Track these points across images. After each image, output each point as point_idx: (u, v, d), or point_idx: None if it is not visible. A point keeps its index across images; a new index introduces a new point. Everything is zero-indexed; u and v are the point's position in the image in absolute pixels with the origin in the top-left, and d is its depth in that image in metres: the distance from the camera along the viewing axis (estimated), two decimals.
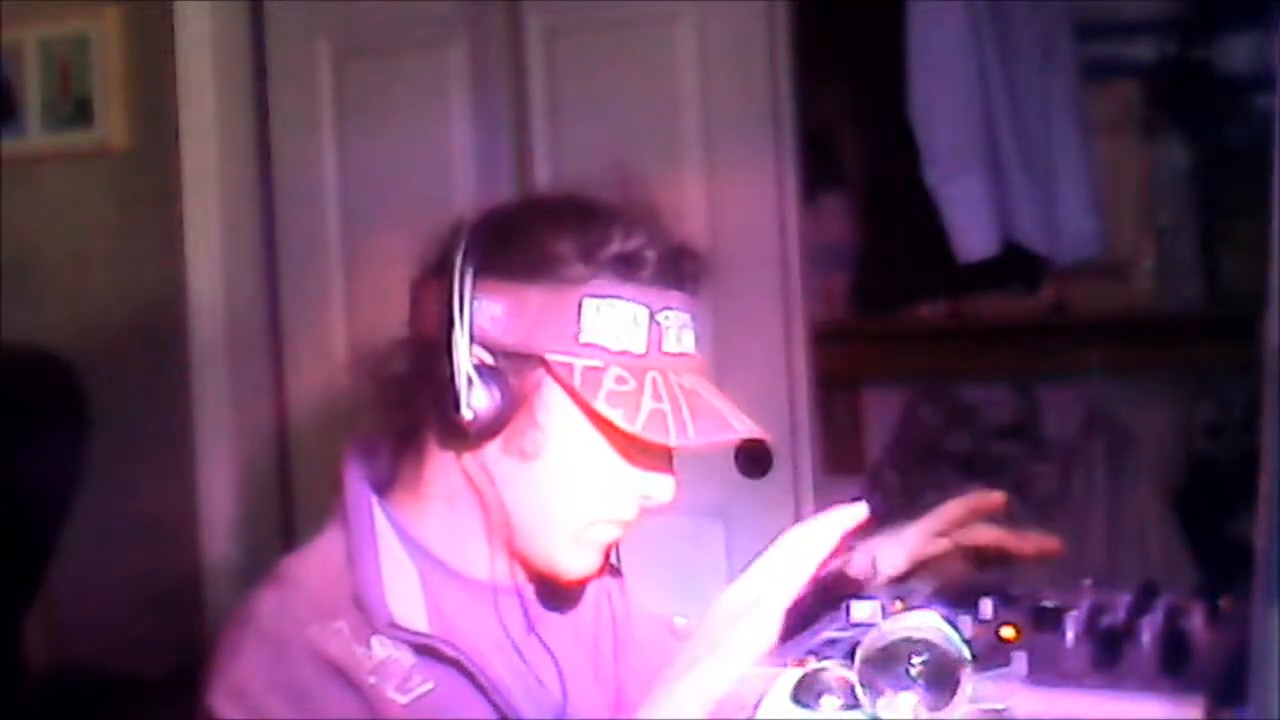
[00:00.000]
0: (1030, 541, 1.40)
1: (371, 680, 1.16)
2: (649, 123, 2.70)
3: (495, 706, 1.20)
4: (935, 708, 1.03)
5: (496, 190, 2.68)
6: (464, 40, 2.87)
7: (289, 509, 2.99)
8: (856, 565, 1.35)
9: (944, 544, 1.39)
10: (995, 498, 1.39)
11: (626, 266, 1.19)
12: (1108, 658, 1.14)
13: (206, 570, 2.94)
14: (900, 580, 1.37)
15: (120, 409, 2.89)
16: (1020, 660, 1.13)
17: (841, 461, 3.38)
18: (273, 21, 3.01)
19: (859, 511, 1.13)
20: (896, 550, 1.37)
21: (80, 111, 3.05)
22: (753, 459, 1.26)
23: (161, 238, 2.99)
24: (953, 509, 1.38)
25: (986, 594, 1.28)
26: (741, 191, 2.65)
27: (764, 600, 1.09)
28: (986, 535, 1.39)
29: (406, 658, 1.18)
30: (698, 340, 1.24)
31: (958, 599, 1.28)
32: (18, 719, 2.58)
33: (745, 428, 1.21)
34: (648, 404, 1.17)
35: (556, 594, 1.31)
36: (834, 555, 1.35)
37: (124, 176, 3.05)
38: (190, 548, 2.94)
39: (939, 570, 1.40)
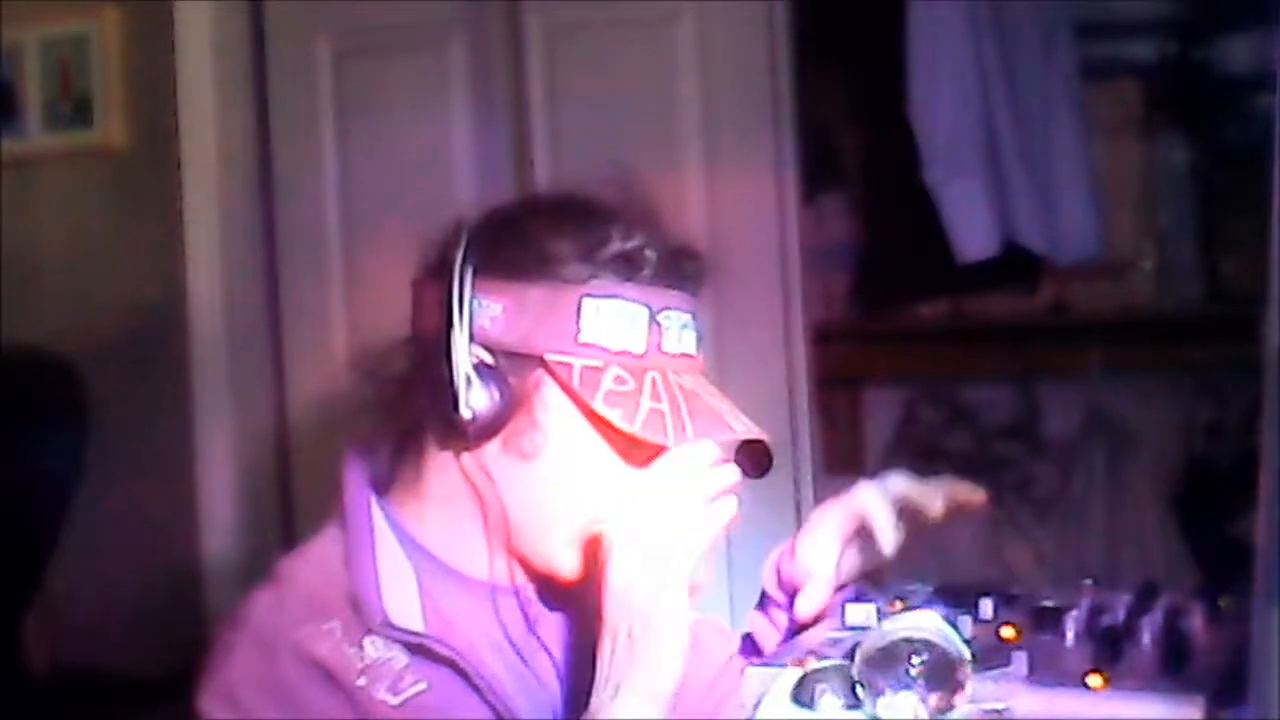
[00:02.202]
0: (939, 502, 1.36)
1: (360, 682, 1.15)
2: (649, 123, 2.70)
3: (490, 706, 1.20)
4: (935, 708, 1.03)
5: (496, 190, 2.68)
6: (464, 40, 2.87)
7: (289, 509, 2.99)
8: (808, 594, 1.31)
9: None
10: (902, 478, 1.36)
11: (626, 266, 1.19)
12: (1108, 658, 1.14)
13: (206, 571, 2.94)
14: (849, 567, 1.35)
15: (120, 409, 2.89)
16: (1020, 660, 1.13)
17: (841, 461, 3.38)
18: (273, 21, 3.01)
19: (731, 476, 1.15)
20: (823, 538, 1.33)
21: (80, 111, 3.04)
22: (753, 459, 1.26)
23: (161, 238, 2.99)
24: (864, 488, 1.35)
25: (986, 594, 1.28)
26: (741, 191, 2.65)
27: (665, 584, 1.10)
28: (902, 490, 1.35)
29: (400, 658, 1.18)
30: (698, 340, 1.24)
31: (958, 599, 1.28)
32: (18, 719, 2.57)
33: (744, 428, 1.21)
34: (646, 404, 1.17)
35: (556, 593, 1.31)
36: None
37: (124, 176, 3.05)
38: (190, 548, 2.94)
39: (874, 547, 1.37)
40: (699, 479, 1.16)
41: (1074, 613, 1.23)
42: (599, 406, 1.16)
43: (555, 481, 1.21)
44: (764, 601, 1.41)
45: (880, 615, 1.24)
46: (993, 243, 2.82)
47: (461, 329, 1.17)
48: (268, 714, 1.14)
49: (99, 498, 2.82)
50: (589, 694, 1.30)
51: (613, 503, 1.22)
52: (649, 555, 1.13)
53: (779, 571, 1.38)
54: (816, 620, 1.33)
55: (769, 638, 1.40)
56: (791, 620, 1.36)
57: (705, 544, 1.15)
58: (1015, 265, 2.99)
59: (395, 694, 1.16)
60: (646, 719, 1.09)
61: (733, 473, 1.18)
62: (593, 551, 1.20)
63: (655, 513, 1.15)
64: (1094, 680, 1.07)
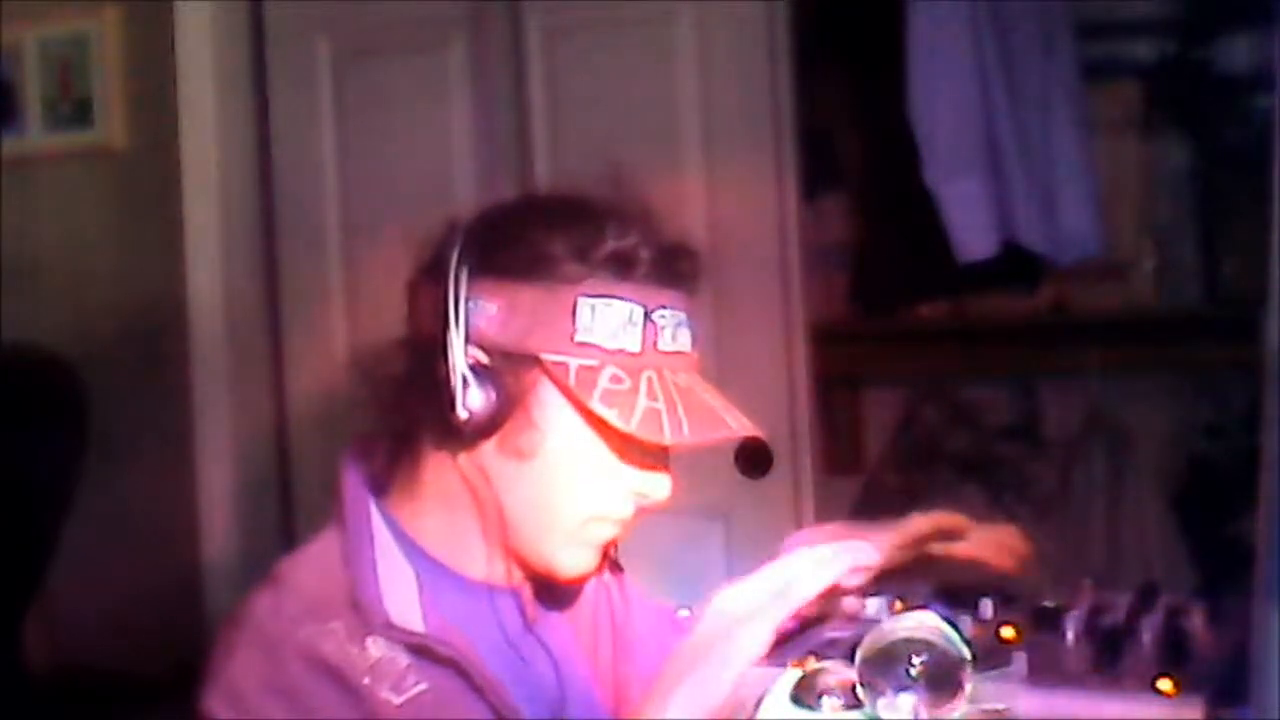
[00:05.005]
0: (1005, 555, 1.38)
1: (366, 681, 1.16)
2: (649, 123, 2.70)
3: (491, 706, 1.20)
4: (935, 708, 1.03)
5: (496, 190, 2.68)
6: (464, 40, 2.87)
7: (288, 509, 2.99)
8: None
9: (907, 556, 1.37)
10: (959, 520, 1.38)
11: (621, 265, 1.19)
12: (1108, 658, 1.14)
13: (206, 570, 2.94)
14: (863, 591, 1.35)
15: (120, 409, 2.89)
16: (1020, 660, 1.13)
17: (841, 461, 3.38)
18: (273, 21, 3.01)
19: (871, 554, 1.14)
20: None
21: (80, 111, 3.05)
22: (753, 459, 1.26)
23: (161, 238, 2.99)
24: (919, 525, 1.36)
25: (986, 594, 1.28)
26: (741, 191, 2.65)
27: (762, 613, 1.09)
28: (961, 551, 1.38)
29: (402, 658, 1.18)
30: (693, 339, 1.24)
31: (958, 599, 1.28)
32: (18, 719, 2.57)
33: (740, 425, 1.21)
34: (643, 402, 1.17)
35: (554, 593, 1.31)
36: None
37: (124, 176, 3.05)
38: (190, 548, 2.95)
39: (898, 580, 1.38)
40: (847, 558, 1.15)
41: (1074, 613, 1.23)
42: (596, 405, 1.16)
43: (552, 481, 1.21)
44: None
45: (891, 608, 1.24)
46: (992, 243, 2.82)
47: (458, 329, 1.17)
48: (275, 714, 1.14)
49: (99, 498, 2.82)
50: (589, 694, 1.30)
51: (608, 501, 1.23)
52: (765, 586, 1.12)
53: None
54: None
55: None
56: None
57: (818, 593, 1.14)
58: (1015, 265, 2.99)
59: (399, 694, 1.17)
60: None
61: (875, 554, 1.16)
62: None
63: (803, 556, 1.14)
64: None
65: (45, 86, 3.07)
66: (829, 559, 1.12)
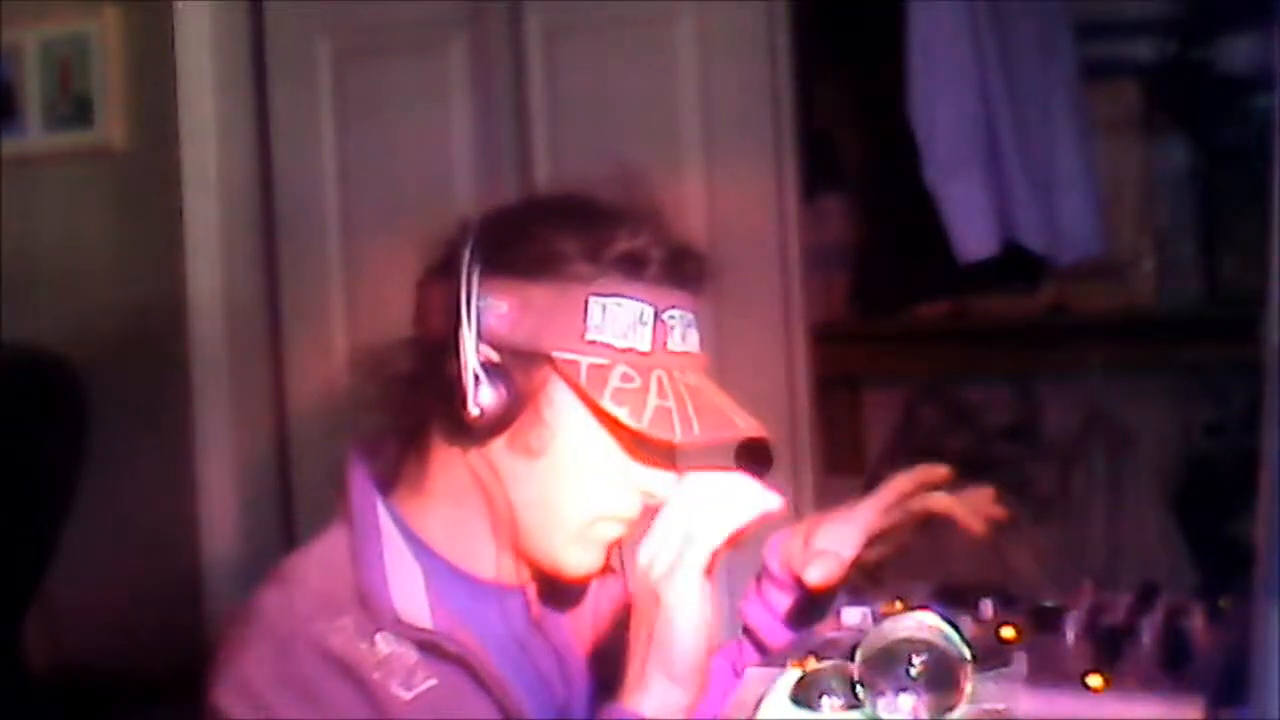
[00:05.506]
0: (977, 517, 1.39)
1: (376, 675, 1.17)
2: (649, 123, 2.70)
3: (498, 703, 1.21)
4: (935, 708, 1.03)
5: (497, 190, 2.68)
6: (464, 40, 2.87)
7: (289, 509, 2.99)
8: (820, 564, 1.33)
9: (895, 516, 1.39)
10: (940, 471, 1.39)
11: (632, 265, 1.20)
12: (1108, 658, 1.14)
13: (206, 570, 2.94)
14: (859, 558, 1.36)
15: (120, 409, 2.89)
16: (1020, 660, 1.13)
17: (841, 461, 3.37)
18: (273, 21, 3.01)
19: (776, 502, 1.15)
20: (849, 530, 1.36)
21: (80, 111, 3.05)
22: (753, 459, 1.26)
23: (161, 238, 2.99)
24: (901, 483, 1.38)
25: (986, 594, 1.28)
26: (741, 191, 2.65)
27: (680, 565, 1.10)
28: (937, 503, 1.39)
29: (410, 654, 1.19)
30: (701, 340, 1.24)
31: (958, 599, 1.28)
32: (18, 719, 2.57)
33: (748, 425, 1.22)
34: (653, 401, 1.17)
35: (560, 592, 1.31)
36: (805, 560, 1.35)
37: (124, 176, 3.05)
38: (190, 548, 2.95)
39: (892, 540, 1.39)
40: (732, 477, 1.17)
41: (1074, 613, 1.23)
42: (607, 404, 1.17)
43: (561, 478, 1.22)
44: (760, 585, 1.42)
45: (875, 617, 1.24)
46: (993, 242, 2.82)
47: (469, 327, 1.18)
48: (286, 707, 1.15)
49: (99, 498, 2.82)
50: (595, 694, 1.31)
51: (616, 500, 1.23)
52: (671, 534, 1.13)
53: (787, 554, 1.38)
54: (819, 601, 1.34)
55: (768, 627, 1.40)
56: (793, 600, 1.37)
57: (730, 530, 1.14)
58: (1015, 265, 2.99)
59: (408, 689, 1.17)
60: (668, 700, 1.10)
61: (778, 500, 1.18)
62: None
63: (687, 495, 1.15)
64: (1094, 680, 1.08)
65: (45, 86, 3.07)
66: (730, 502, 1.13)
